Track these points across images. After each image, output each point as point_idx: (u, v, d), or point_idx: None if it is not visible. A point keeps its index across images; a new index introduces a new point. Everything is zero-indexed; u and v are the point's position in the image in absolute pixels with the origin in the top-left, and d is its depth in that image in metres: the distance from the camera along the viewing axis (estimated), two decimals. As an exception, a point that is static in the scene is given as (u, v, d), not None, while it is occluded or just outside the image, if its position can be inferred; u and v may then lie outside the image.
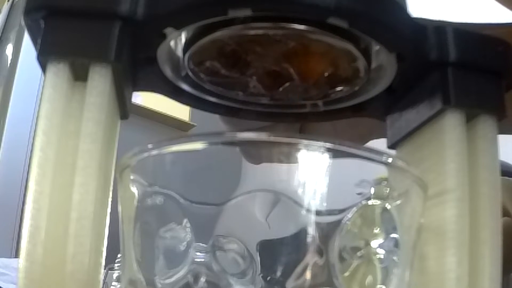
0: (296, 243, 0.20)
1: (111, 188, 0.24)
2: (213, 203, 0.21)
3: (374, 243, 0.21)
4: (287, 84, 0.28)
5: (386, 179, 0.22)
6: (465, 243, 0.23)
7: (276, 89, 0.28)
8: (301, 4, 0.22)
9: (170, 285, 0.21)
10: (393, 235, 0.21)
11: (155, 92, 0.29)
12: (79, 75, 0.23)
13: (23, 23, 0.24)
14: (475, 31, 0.25)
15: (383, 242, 0.21)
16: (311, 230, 0.20)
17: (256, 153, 0.22)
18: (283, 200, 0.21)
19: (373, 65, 0.26)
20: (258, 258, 0.21)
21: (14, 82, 1.63)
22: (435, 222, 0.23)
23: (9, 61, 1.71)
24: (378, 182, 0.22)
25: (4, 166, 1.54)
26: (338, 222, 0.21)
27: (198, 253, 0.21)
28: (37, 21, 0.23)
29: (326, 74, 0.27)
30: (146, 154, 0.21)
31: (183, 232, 0.21)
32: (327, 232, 0.21)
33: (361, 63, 0.25)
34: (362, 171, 0.21)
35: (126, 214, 0.22)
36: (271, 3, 0.22)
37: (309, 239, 0.20)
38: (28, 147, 1.51)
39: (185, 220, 0.21)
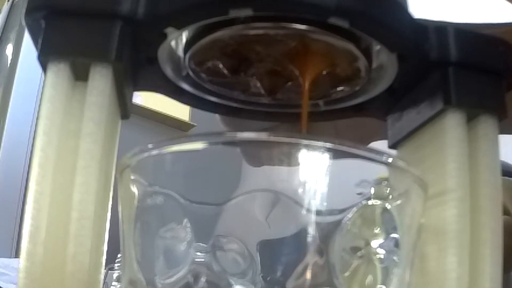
0: (296, 243, 0.20)
1: (111, 188, 0.24)
2: (213, 203, 0.21)
3: (374, 243, 0.21)
4: (288, 84, 0.28)
5: (386, 179, 0.22)
6: (466, 243, 0.23)
7: (277, 89, 0.28)
8: (302, 4, 0.22)
9: (170, 285, 0.21)
10: (394, 235, 0.21)
11: (155, 92, 0.29)
12: (80, 75, 0.23)
13: (23, 23, 0.24)
14: (476, 31, 0.25)
15: (383, 242, 0.21)
16: (311, 230, 0.20)
17: (256, 154, 0.22)
18: (283, 200, 0.21)
19: (374, 65, 0.26)
20: (258, 258, 0.21)
21: (14, 82, 1.62)
22: (435, 222, 0.23)
23: (9, 61, 1.71)
24: (379, 182, 0.22)
25: (4, 166, 1.53)
26: (339, 222, 0.21)
27: (198, 253, 0.21)
28: (38, 21, 0.23)
29: (327, 74, 0.27)
30: (146, 154, 0.21)
31: (183, 232, 0.21)
32: (327, 232, 0.21)
33: (362, 63, 0.25)
34: (363, 171, 0.21)
35: (126, 214, 0.22)
36: (272, 3, 0.22)
37: (309, 239, 0.20)
38: (28, 147, 1.51)
39: (185, 220, 0.21)
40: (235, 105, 0.30)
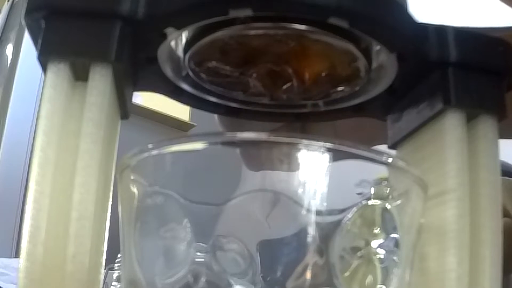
0: (296, 243, 0.20)
1: (111, 188, 0.24)
2: (213, 203, 0.21)
3: (374, 243, 0.21)
4: (287, 84, 0.28)
5: (386, 179, 0.22)
6: (466, 243, 0.23)
7: (276, 89, 0.28)
8: (302, 4, 0.22)
9: (170, 285, 0.21)
10: (393, 235, 0.21)
11: (155, 92, 0.29)
12: (80, 75, 0.23)
13: (23, 23, 0.23)
14: (476, 32, 0.25)
15: (383, 242, 0.21)
16: (311, 230, 0.20)
17: (256, 156, 0.22)
18: (283, 200, 0.21)
19: (374, 65, 0.26)
20: (258, 258, 0.21)
21: (14, 82, 1.62)
22: (435, 222, 0.23)
23: (9, 61, 1.71)
24: (378, 182, 0.22)
25: (4, 166, 1.53)
26: (338, 222, 0.21)
27: (198, 253, 0.21)
28: (38, 21, 0.23)
29: (326, 74, 0.27)
30: (146, 154, 0.21)
31: (183, 232, 0.21)
32: (327, 232, 0.21)
33: (361, 63, 0.25)
34: (362, 171, 0.21)
35: (126, 214, 0.22)
36: (271, 3, 0.22)
37: (309, 239, 0.20)
38: (28, 147, 1.51)
39: (185, 220, 0.21)
40: (234, 105, 0.30)
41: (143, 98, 1.73)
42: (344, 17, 0.22)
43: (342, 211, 0.21)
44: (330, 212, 0.21)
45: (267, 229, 0.21)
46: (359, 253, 0.21)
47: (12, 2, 1.85)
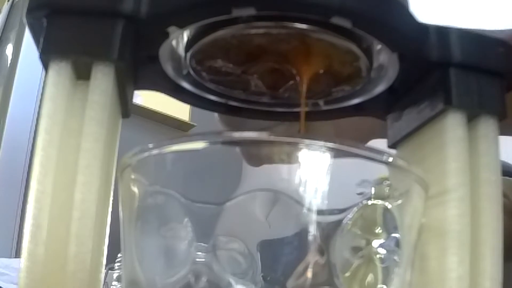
0: (297, 242, 0.20)
1: (112, 187, 0.24)
2: (214, 202, 0.21)
3: (375, 243, 0.21)
4: (289, 83, 0.28)
5: (387, 179, 0.22)
6: (466, 243, 0.23)
7: (278, 88, 0.28)
8: (305, 3, 0.22)
9: (171, 285, 0.21)
10: (394, 235, 0.22)
11: (156, 90, 0.29)
12: (82, 74, 0.23)
13: (24, 22, 0.23)
14: (477, 32, 0.25)
15: (384, 242, 0.21)
16: (312, 230, 0.20)
17: (256, 154, 0.22)
18: (284, 199, 0.21)
19: (375, 64, 0.26)
20: (259, 258, 0.21)
21: (14, 82, 1.62)
22: (436, 222, 0.23)
23: (9, 61, 1.71)
24: (379, 182, 0.22)
25: (4, 166, 1.53)
26: (339, 222, 0.21)
27: (199, 253, 0.21)
28: (39, 20, 0.23)
29: (328, 73, 0.27)
30: (146, 154, 0.21)
31: (184, 231, 0.21)
32: (328, 231, 0.21)
33: (363, 62, 0.25)
34: (363, 171, 0.21)
35: (127, 213, 0.22)
36: (274, 2, 0.22)
37: (310, 239, 0.20)
38: (28, 147, 1.51)
39: (186, 220, 0.21)
40: (235, 104, 0.30)
41: (143, 98, 1.73)
42: (347, 16, 0.22)
43: (343, 210, 0.21)
44: (331, 212, 0.21)
45: (268, 228, 0.21)
46: (360, 253, 0.21)
47: (12, 2, 1.85)
